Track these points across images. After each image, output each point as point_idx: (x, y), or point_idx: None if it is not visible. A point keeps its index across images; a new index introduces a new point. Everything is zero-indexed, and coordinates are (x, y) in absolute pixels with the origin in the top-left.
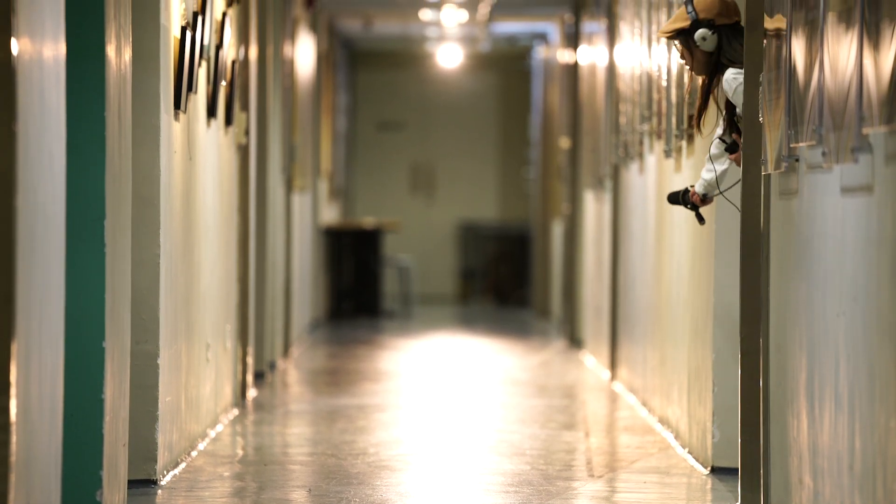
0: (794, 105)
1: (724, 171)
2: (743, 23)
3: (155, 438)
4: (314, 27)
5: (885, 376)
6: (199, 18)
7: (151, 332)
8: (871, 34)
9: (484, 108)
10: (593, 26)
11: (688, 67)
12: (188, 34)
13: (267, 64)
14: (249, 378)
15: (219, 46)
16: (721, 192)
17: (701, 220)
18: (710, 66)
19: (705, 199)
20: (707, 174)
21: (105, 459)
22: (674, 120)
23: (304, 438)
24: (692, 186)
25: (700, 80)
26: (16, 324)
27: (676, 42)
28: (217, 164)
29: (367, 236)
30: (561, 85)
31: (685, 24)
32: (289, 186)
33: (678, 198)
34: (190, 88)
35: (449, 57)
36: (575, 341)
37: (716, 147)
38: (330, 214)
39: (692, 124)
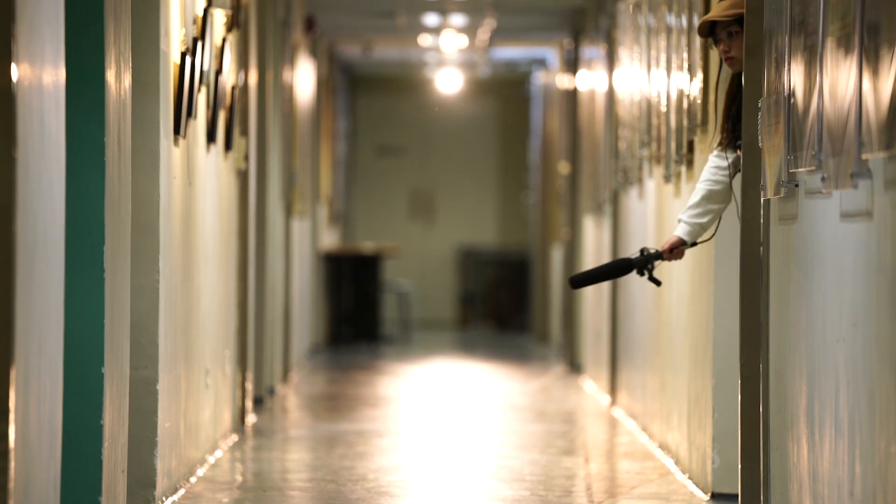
0: (794, 130)
1: (721, 210)
2: (744, 48)
3: (154, 464)
4: (314, 52)
5: (886, 402)
6: (199, 44)
7: (151, 357)
8: (870, 60)
9: (483, 134)
10: (593, 52)
11: (726, 61)
12: (188, 60)
13: (266, 89)
14: (248, 404)
15: (218, 72)
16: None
17: (658, 283)
18: None
19: (683, 247)
20: (702, 218)
21: (104, 485)
22: (673, 145)
23: (303, 464)
24: (668, 244)
25: (723, 95)
26: (15, 349)
27: (730, 29)
28: (217, 189)
29: (366, 262)
30: (560, 110)
31: (743, 10)
32: (288, 211)
33: (631, 268)
34: (189, 114)
35: (448, 82)
36: (574, 366)
37: (717, 183)
38: (329, 239)
39: (721, 142)
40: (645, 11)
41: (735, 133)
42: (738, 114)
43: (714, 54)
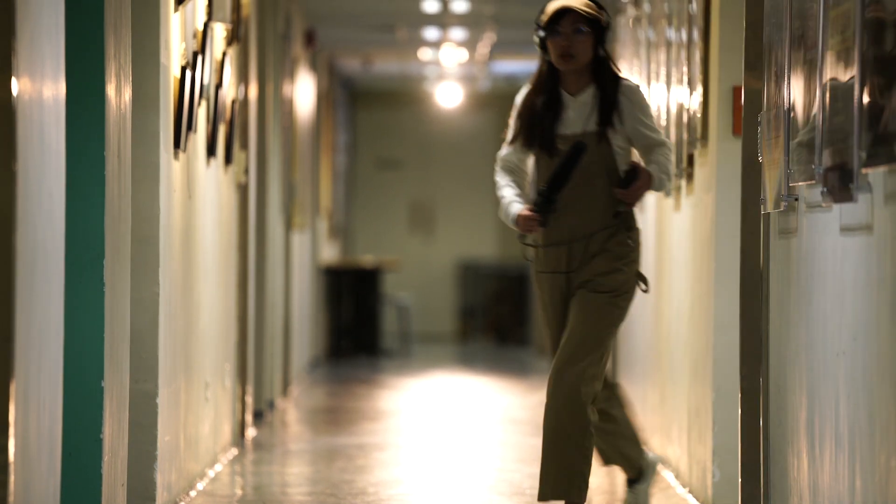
0: (794, 144)
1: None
2: (744, 62)
3: (154, 478)
4: (314, 66)
5: (885, 415)
6: (199, 58)
7: (150, 371)
8: (870, 73)
9: (483, 147)
10: None
11: (561, 57)
12: (188, 73)
13: (267, 103)
14: (248, 417)
15: (219, 86)
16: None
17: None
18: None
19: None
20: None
21: (104, 499)
22: (673, 159)
23: (303, 478)
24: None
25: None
26: (14, 363)
27: (580, 26)
28: (216, 202)
29: (366, 275)
30: None
31: (603, 18)
32: (288, 225)
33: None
34: (190, 127)
35: (448, 96)
36: None
37: (519, 185)
38: (329, 252)
39: (518, 141)
40: (645, 25)
41: (532, 137)
42: (535, 115)
43: (714, 69)
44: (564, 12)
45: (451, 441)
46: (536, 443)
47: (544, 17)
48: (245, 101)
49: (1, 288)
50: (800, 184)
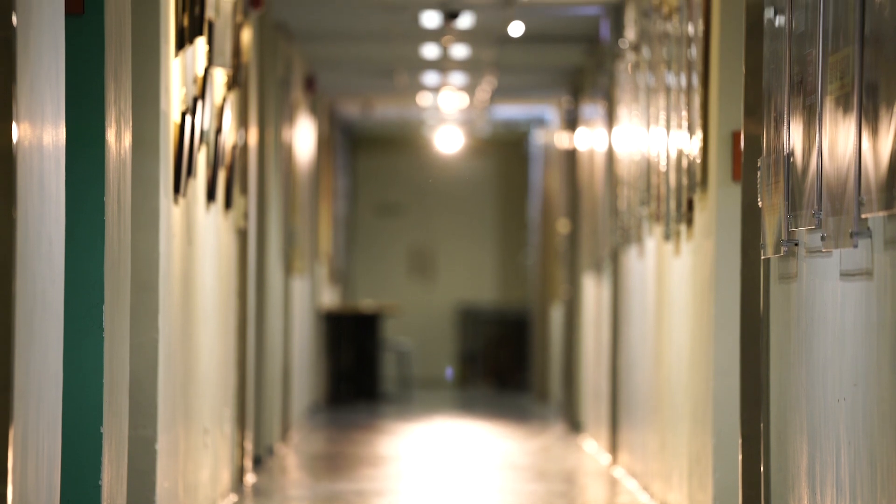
0: (794, 189)
1: None
2: (743, 107)
3: None
4: (314, 111)
5: (887, 462)
6: (199, 103)
7: (149, 417)
8: (870, 119)
9: (483, 192)
10: (592, 110)
11: None
12: (188, 119)
13: (266, 148)
14: (247, 463)
15: (218, 131)
16: None
17: None
18: None
19: None
20: None
21: None
22: (672, 203)
23: None
24: None
25: None
26: (13, 409)
27: None
28: (216, 247)
29: (366, 320)
30: (560, 168)
31: None
32: (288, 270)
33: None
34: (189, 173)
35: (448, 141)
36: (575, 425)
37: None
38: (329, 297)
39: None
40: (644, 71)
41: None
42: None
43: (713, 114)
44: None
45: (450, 487)
46: (536, 489)
47: None
48: (245, 147)
49: (0, 333)
50: (800, 229)
